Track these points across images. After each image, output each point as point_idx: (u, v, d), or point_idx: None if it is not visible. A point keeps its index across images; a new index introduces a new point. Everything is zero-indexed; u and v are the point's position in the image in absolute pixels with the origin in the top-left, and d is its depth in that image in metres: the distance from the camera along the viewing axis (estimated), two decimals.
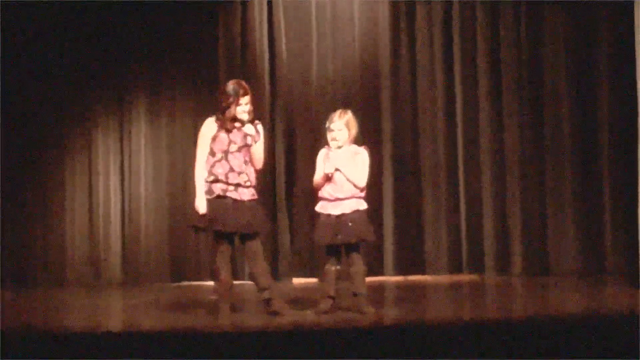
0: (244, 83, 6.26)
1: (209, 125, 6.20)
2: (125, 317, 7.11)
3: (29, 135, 9.64)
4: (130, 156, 9.69)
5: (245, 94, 6.17)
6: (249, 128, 6.15)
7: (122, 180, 9.70)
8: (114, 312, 7.51)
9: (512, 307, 7.02)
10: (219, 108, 6.20)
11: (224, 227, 6.09)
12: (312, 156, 8.78)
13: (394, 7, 9.41)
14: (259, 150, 6.23)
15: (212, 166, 6.14)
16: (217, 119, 6.19)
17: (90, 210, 9.68)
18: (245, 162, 6.16)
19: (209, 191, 6.13)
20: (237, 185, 6.12)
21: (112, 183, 9.70)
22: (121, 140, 9.72)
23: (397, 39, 9.41)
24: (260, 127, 6.25)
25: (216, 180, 6.12)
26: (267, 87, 9.40)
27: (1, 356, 5.02)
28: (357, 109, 9.06)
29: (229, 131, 6.14)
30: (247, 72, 9.27)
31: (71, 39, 9.62)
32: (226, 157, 6.13)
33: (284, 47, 9.45)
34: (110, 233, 9.65)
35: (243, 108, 6.14)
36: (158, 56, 9.65)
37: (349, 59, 9.43)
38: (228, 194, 6.10)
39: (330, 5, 9.44)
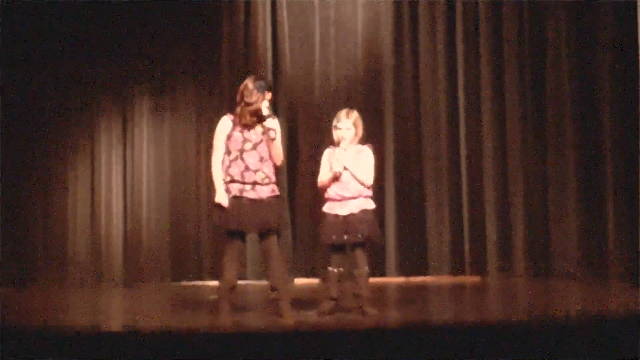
0: (268, 79, 6.27)
1: (224, 123, 6.19)
2: (126, 317, 7.10)
3: (30, 132, 9.64)
4: (132, 154, 9.70)
5: (270, 90, 6.22)
6: (270, 122, 6.13)
7: (124, 178, 9.70)
8: (115, 312, 7.50)
9: (515, 309, 7.01)
10: (240, 104, 6.17)
11: (238, 226, 6.07)
12: (315, 155, 8.75)
13: (397, 7, 9.41)
14: (278, 146, 6.20)
15: (229, 166, 6.13)
16: (236, 116, 6.18)
17: (92, 209, 9.68)
18: (262, 160, 6.13)
19: (227, 191, 6.12)
20: (254, 183, 6.10)
21: (114, 181, 9.69)
22: (124, 137, 9.73)
23: (400, 38, 9.41)
24: (276, 122, 6.24)
25: (232, 181, 6.11)
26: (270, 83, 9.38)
27: (1, 356, 5.00)
28: (360, 108, 9.04)
29: (246, 127, 6.12)
30: (249, 70, 9.26)
31: (74, 35, 9.62)
32: (241, 155, 6.11)
33: (287, 46, 9.44)
34: (111, 232, 9.65)
35: (265, 103, 6.15)
36: (161, 53, 9.66)
37: (352, 58, 9.44)
38: (245, 194, 6.08)
39: (333, 5, 9.45)
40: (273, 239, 6.15)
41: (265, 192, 6.12)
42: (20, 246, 9.56)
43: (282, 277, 6.21)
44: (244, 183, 6.09)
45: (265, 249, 6.17)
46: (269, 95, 6.20)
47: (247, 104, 6.14)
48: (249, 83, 6.19)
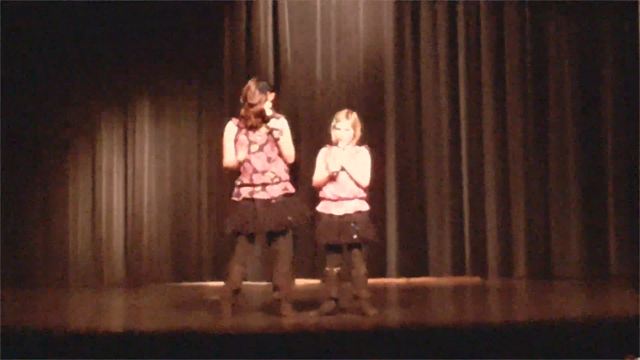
0: (270, 82, 6.30)
1: (230, 128, 6.24)
2: (127, 318, 7.10)
3: (32, 134, 9.64)
4: (134, 156, 9.71)
5: (272, 91, 6.27)
6: (274, 122, 6.15)
7: (125, 180, 9.71)
8: (116, 313, 7.50)
9: (515, 311, 7.01)
10: (244, 106, 6.19)
11: (254, 230, 6.12)
12: (315, 154, 8.81)
13: (399, 9, 9.41)
14: (286, 145, 6.20)
15: (239, 171, 6.19)
16: (240, 119, 6.20)
17: (93, 210, 9.68)
18: (269, 160, 6.15)
19: (237, 194, 6.18)
20: (264, 184, 6.12)
21: (115, 183, 9.70)
22: (125, 140, 9.74)
23: (402, 40, 9.42)
24: (283, 120, 6.24)
25: (242, 185, 6.16)
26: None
27: (1, 356, 5.01)
28: (361, 110, 9.07)
29: (251, 129, 6.14)
30: (251, 73, 9.27)
31: (75, 39, 9.63)
32: (248, 159, 6.14)
33: (288, 48, 9.45)
34: (112, 233, 9.65)
35: (268, 105, 6.18)
36: (163, 56, 9.67)
37: (354, 60, 9.44)
38: (255, 195, 6.11)
39: (335, 7, 9.45)
40: (282, 240, 6.17)
41: (277, 190, 6.14)
42: (21, 248, 9.56)
43: (286, 278, 6.21)
44: (253, 185, 6.12)
45: (274, 249, 6.19)
46: (271, 96, 6.23)
47: (251, 105, 6.16)
48: (252, 84, 6.22)
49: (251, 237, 6.19)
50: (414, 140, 9.37)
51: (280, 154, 6.19)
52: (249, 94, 6.18)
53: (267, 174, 6.13)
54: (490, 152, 9.22)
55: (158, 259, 9.58)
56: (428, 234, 9.27)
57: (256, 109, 6.15)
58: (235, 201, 6.20)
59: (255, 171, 6.13)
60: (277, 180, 6.15)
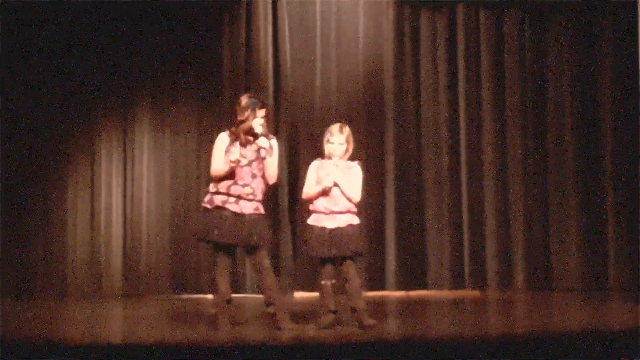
0: (261, 96, 6.27)
1: (222, 139, 6.22)
2: (125, 329, 7.08)
3: (31, 145, 9.63)
4: (132, 167, 9.69)
5: (262, 107, 6.18)
6: (262, 141, 6.13)
7: (124, 191, 9.69)
8: (115, 324, 7.48)
9: (515, 323, 6.99)
10: (235, 121, 6.19)
11: (220, 238, 6.09)
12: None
13: (398, 18, 9.41)
14: (272, 165, 6.20)
15: (221, 179, 6.15)
16: (232, 133, 6.19)
17: (92, 222, 9.66)
18: (254, 176, 6.15)
19: (210, 201, 6.15)
20: (239, 197, 6.11)
21: (114, 194, 9.68)
22: (124, 150, 9.72)
23: (401, 50, 9.43)
24: (274, 141, 6.24)
25: (217, 192, 6.13)
26: (271, 98, 9.38)
27: None
28: (361, 120, 9.12)
29: (243, 145, 6.13)
30: (250, 83, 9.30)
31: (74, 48, 9.63)
32: (234, 170, 6.12)
33: (288, 58, 9.46)
34: (111, 244, 9.63)
35: (258, 121, 6.14)
36: (162, 66, 9.67)
37: (353, 70, 9.45)
38: (227, 205, 6.10)
39: (334, 20, 9.46)
40: (262, 253, 6.16)
41: (249, 208, 6.13)
42: (20, 258, 9.54)
43: (274, 290, 6.19)
44: (228, 195, 6.11)
45: (255, 264, 6.20)
46: (261, 112, 6.16)
47: (240, 122, 6.16)
48: (242, 100, 6.21)
49: (230, 250, 6.17)
50: (413, 151, 9.38)
51: (262, 174, 6.18)
52: (239, 109, 6.18)
53: (246, 187, 6.11)
54: (490, 165, 9.22)
55: (157, 270, 9.56)
56: (427, 246, 9.26)
57: (244, 125, 6.14)
58: (206, 208, 6.17)
59: (235, 182, 6.12)
60: (251, 197, 6.13)
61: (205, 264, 9.47)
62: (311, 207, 6.28)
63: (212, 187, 6.18)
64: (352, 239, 6.16)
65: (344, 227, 6.17)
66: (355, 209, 6.24)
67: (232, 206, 6.10)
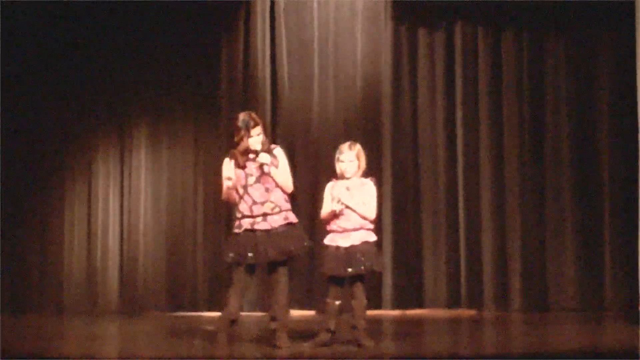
0: (253, 114, 6.25)
1: (227, 165, 6.20)
2: (121, 346, 7.07)
3: (28, 160, 9.66)
4: (129, 183, 9.70)
5: (255, 125, 6.16)
6: (263, 157, 6.13)
7: (121, 207, 9.70)
8: (111, 340, 7.47)
9: (511, 343, 6.99)
10: (233, 144, 6.21)
11: (257, 260, 6.09)
12: (313, 183, 8.78)
13: (396, 36, 9.43)
14: (281, 175, 6.18)
15: (238, 203, 6.17)
16: (231, 157, 6.20)
17: (89, 238, 9.67)
18: (268, 190, 6.14)
19: (239, 226, 6.16)
20: (265, 215, 6.11)
21: (111, 210, 9.69)
22: (121, 166, 9.74)
23: (399, 68, 9.43)
24: (278, 150, 6.24)
25: (243, 216, 6.15)
26: (269, 114, 9.40)
27: None
28: (358, 139, 9.09)
29: (238, 166, 6.15)
30: (248, 100, 9.33)
31: (72, 64, 9.69)
32: (247, 191, 6.13)
33: (285, 74, 9.48)
34: (108, 260, 9.63)
35: (255, 139, 6.14)
36: (159, 83, 9.70)
37: (351, 87, 9.46)
38: (256, 226, 6.10)
39: (332, 36, 9.48)
40: (282, 270, 6.15)
41: (278, 220, 6.13)
42: (17, 274, 9.54)
43: (285, 309, 6.19)
44: (254, 217, 6.11)
45: (274, 279, 6.17)
46: (256, 130, 6.15)
47: (237, 143, 6.17)
48: (236, 121, 6.21)
49: (250, 269, 6.16)
50: (411, 170, 9.38)
51: (276, 185, 6.19)
52: (234, 131, 6.19)
53: (266, 204, 6.12)
54: (487, 184, 9.22)
55: (153, 287, 9.54)
56: (424, 265, 9.25)
57: (241, 146, 6.15)
58: (236, 233, 6.18)
59: (254, 202, 6.12)
60: (277, 210, 6.14)
61: (201, 282, 9.46)
62: (327, 227, 6.26)
63: (237, 213, 6.20)
64: (366, 256, 6.12)
65: (358, 245, 6.13)
66: (370, 226, 6.20)
67: (261, 225, 6.10)
